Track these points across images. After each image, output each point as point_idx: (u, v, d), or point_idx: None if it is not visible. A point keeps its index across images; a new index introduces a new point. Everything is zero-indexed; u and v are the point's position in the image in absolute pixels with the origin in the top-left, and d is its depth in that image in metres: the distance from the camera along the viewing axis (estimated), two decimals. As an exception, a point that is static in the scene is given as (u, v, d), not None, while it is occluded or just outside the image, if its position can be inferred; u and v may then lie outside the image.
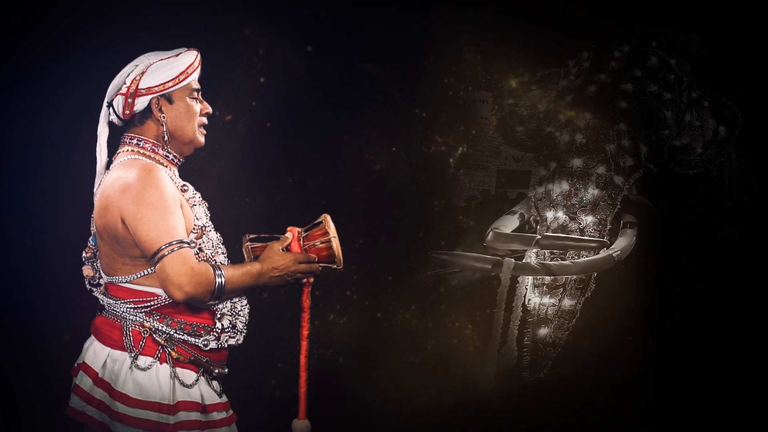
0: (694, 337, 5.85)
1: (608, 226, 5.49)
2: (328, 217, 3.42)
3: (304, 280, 3.42)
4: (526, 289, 5.53)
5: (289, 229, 3.41)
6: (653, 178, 5.64)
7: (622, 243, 5.34)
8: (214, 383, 3.36)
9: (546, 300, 5.47)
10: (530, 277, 5.50)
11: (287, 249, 3.36)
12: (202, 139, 3.43)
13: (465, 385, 5.76)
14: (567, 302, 5.44)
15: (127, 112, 3.29)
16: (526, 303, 5.52)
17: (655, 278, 5.79)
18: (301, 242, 3.39)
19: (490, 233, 5.51)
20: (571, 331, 5.47)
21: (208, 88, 3.47)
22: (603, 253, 5.27)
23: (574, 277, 5.42)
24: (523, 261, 5.52)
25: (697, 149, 5.69)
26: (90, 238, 3.41)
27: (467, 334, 6.24)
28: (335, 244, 3.39)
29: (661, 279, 5.83)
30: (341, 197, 6.09)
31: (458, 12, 6.07)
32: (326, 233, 3.39)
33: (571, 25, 5.90)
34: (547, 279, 5.45)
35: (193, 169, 3.74)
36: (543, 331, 5.45)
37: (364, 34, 6.13)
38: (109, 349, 3.23)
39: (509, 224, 5.69)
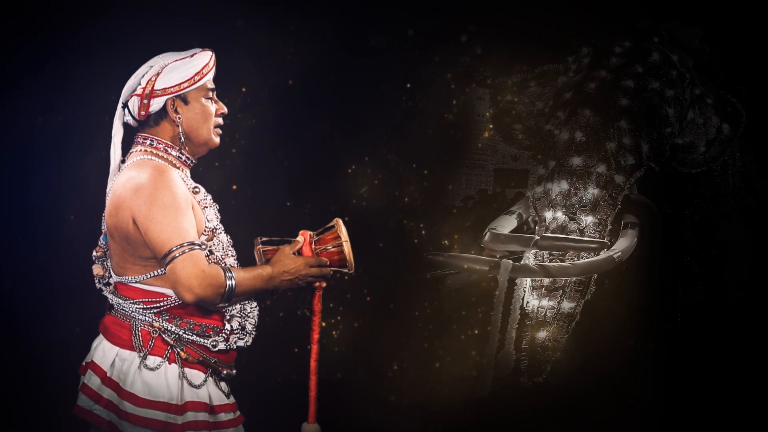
0: (697, 340, 5.97)
1: (609, 227, 5.62)
2: (340, 221, 3.60)
3: (316, 284, 3.61)
4: (525, 291, 5.67)
5: (301, 232, 3.59)
6: (655, 177, 5.79)
7: (622, 244, 5.49)
8: (222, 384, 3.55)
9: (545, 302, 5.61)
10: (528, 279, 5.63)
11: (299, 252, 3.55)
12: (216, 140, 3.62)
13: (464, 388, 5.95)
14: (566, 305, 5.59)
15: (143, 113, 3.48)
16: (525, 305, 5.66)
17: (657, 280, 5.91)
18: (313, 246, 3.57)
19: (488, 234, 5.66)
20: (571, 334, 5.61)
21: (217, 89, 3.64)
22: (603, 255, 5.42)
23: (574, 279, 5.56)
24: (521, 262, 5.64)
25: (700, 147, 5.83)
26: (101, 237, 3.59)
27: (465, 337, 6.40)
28: (347, 248, 3.57)
29: (662, 281, 5.95)
30: (344, 199, 6.29)
31: (458, 7, 6.25)
32: (338, 237, 3.56)
33: (571, 20, 6.03)
34: (546, 281, 5.58)
35: (204, 170, 3.93)
36: (542, 335, 5.59)
37: (365, 33, 6.30)
38: (117, 348, 3.42)
39: (507, 225, 5.83)
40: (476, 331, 6.24)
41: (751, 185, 6.21)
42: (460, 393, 5.99)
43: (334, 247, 3.59)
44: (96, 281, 3.62)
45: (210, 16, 5.61)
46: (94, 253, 3.62)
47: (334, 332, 6.36)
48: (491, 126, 6.41)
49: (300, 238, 3.59)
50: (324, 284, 3.66)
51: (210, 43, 3.67)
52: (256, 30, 6.01)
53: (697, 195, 6.06)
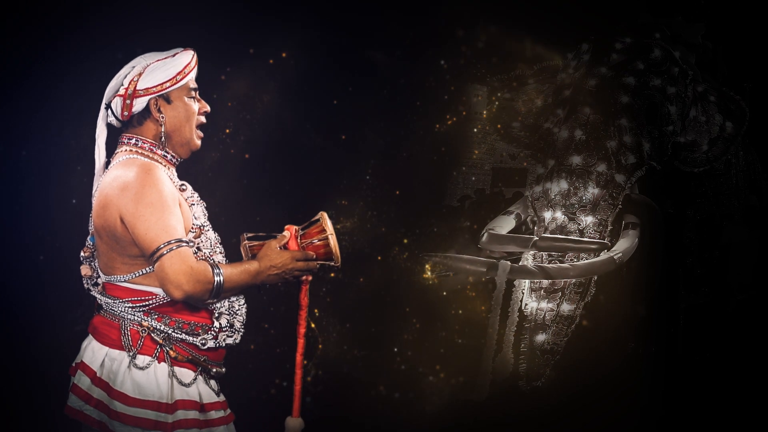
0: (700, 343, 6.02)
1: (609, 227, 5.68)
2: (325, 215, 3.75)
3: (303, 277, 3.76)
4: (523, 293, 5.74)
5: (286, 227, 3.74)
6: (656, 176, 5.84)
7: (623, 245, 5.53)
8: (212, 382, 3.70)
9: (543, 305, 5.67)
10: (527, 281, 5.69)
11: (285, 247, 3.69)
12: (198, 142, 3.77)
13: (461, 390, 6.01)
14: (566, 307, 5.65)
15: (126, 113, 3.63)
16: (523, 308, 5.73)
17: (659, 282, 5.95)
18: (299, 240, 3.72)
19: (485, 234, 5.74)
20: (570, 337, 5.65)
21: (208, 86, 3.80)
22: (603, 256, 5.46)
23: (573, 280, 5.61)
24: (520, 264, 5.70)
25: (703, 146, 5.89)
26: (88, 238, 3.74)
27: (462, 339, 6.48)
28: (332, 241, 3.71)
29: (664, 282, 5.98)
30: (338, 197, 6.41)
31: (456, 4, 6.36)
32: (323, 230, 3.72)
33: (571, 16, 6.10)
34: (545, 283, 5.64)
35: (192, 168, 4.07)
36: (540, 338, 5.65)
37: (365, 29, 6.39)
38: (107, 348, 3.57)
39: (505, 225, 5.89)
40: (474, 334, 6.29)
41: (754, 184, 6.26)
42: (457, 395, 6.10)
43: (320, 240, 3.73)
44: (84, 282, 3.75)
45: (205, 17, 5.75)
46: (82, 254, 3.76)
47: (329, 329, 6.46)
48: (489, 124, 6.49)
49: (286, 233, 3.74)
50: (311, 278, 3.80)
51: (210, 43, 3.80)
52: (254, 32, 6.15)
53: (700, 195, 6.11)
